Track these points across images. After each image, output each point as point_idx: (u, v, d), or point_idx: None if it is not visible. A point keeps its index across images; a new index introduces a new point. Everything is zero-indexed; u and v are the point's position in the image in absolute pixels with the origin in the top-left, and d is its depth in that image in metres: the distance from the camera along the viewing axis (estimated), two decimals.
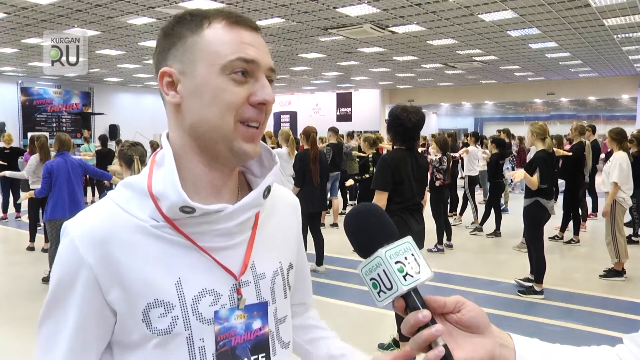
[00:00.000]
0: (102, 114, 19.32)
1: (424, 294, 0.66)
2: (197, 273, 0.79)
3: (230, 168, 0.84)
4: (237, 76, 0.77)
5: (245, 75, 0.78)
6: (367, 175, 7.24)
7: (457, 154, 9.09)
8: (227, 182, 0.85)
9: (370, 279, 0.65)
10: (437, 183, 6.93)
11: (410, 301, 0.64)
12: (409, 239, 0.66)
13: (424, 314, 0.63)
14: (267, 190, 0.84)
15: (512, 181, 13.06)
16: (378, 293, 0.65)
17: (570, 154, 7.44)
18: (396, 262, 0.64)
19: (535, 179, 4.87)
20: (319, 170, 5.48)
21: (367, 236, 0.67)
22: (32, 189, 5.54)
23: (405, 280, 0.63)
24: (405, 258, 0.64)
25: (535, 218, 5.05)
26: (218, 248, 0.81)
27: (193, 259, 0.79)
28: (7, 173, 7.24)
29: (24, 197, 5.70)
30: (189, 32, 0.79)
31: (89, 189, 10.79)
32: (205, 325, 0.79)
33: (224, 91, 0.77)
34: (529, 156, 5.69)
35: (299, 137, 6.05)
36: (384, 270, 0.64)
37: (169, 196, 0.76)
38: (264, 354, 0.84)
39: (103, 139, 10.13)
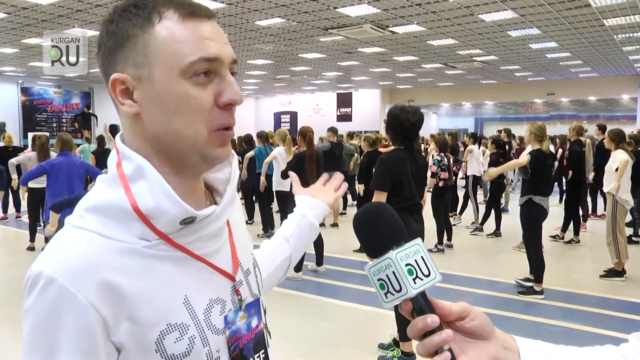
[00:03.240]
0: (89, 113, 19.01)
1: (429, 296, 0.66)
2: (200, 285, 0.75)
3: (199, 174, 0.78)
4: (200, 78, 0.69)
5: (208, 75, 0.70)
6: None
7: (463, 159, 9.04)
8: (197, 186, 0.79)
9: (378, 280, 0.64)
10: (440, 184, 6.87)
11: (417, 304, 0.63)
12: (419, 241, 0.66)
13: (433, 319, 0.62)
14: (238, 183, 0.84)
15: (512, 181, 13.07)
16: (385, 294, 0.64)
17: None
18: (406, 265, 0.63)
19: (522, 158, 5.05)
20: (314, 170, 5.46)
21: (377, 236, 0.66)
22: (30, 187, 5.53)
23: (415, 283, 0.62)
24: (415, 261, 0.64)
25: (531, 218, 5.07)
26: (211, 252, 0.77)
27: (192, 271, 0.74)
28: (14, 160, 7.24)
29: (23, 193, 5.66)
30: (137, 29, 0.69)
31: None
32: (221, 336, 0.76)
33: (188, 97, 0.68)
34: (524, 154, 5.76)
35: (297, 137, 6.01)
36: (393, 272, 0.63)
37: (167, 211, 0.68)
38: (263, 350, 0.84)
39: (100, 139, 10.14)
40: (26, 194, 5.61)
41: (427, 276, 0.64)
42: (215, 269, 0.77)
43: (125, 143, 0.74)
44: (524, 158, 5.02)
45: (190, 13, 0.70)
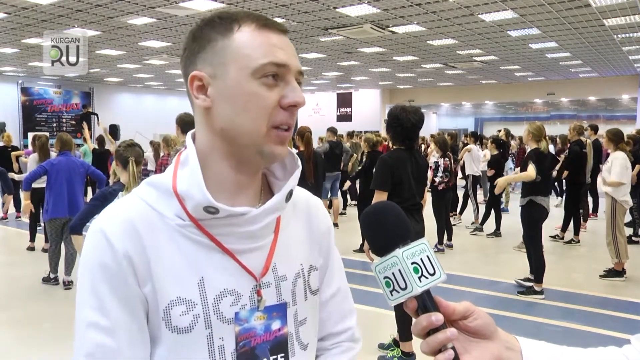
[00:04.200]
0: (89, 113, 18.66)
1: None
2: (219, 273, 0.80)
3: (255, 170, 0.85)
4: (268, 80, 0.77)
5: (275, 79, 0.78)
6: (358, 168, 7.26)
7: (459, 157, 9.04)
8: (251, 185, 0.86)
9: (384, 277, 0.66)
10: (441, 187, 6.84)
11: (422, 302, 0.64)
12: (424, 240, 0.67)
13: (437, 317, 0.63)
14: (290, 194, 0.85)
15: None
16: (391, 292, 0.65)
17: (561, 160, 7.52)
18: (412, 263, 0.64)
19: (530, 171, 4.90)
20: (312, 170, 5.44)
21: (384, 235, 0.67)
22: (33, 188, 5.50)
23: (421, 281, 0.64)
24: (421, 259, 0.65)
25: (531, 218, 5.07)
26: (242, 250, 0.81)
27: (216, 260, 0.80)
28: (16, 177, 7.26)
29: (25, 208, 5.47)
30: (219, 35, 0.79)
31: (89, 189, 10.78)
32: (226, 325, 0.79)
33: (256, 96, 0.77)
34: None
35: (295, 137, 5.98)
36: (399, 270, 0.64)
37: (193, 196, 0.76)
38: (283, 354, 0.85)
39: (100, 139, 10.13)
40: (27, 201, 5.51)
41: (433, 275, 0.65)
42: (241, 265, 0.81)
43: (196, 136, 0.85)
44: (532, 172, 4.90)
45: (264, 25, 0.80)
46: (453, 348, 0.62)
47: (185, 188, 0.78)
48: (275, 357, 0.84)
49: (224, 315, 0.79)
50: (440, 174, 6.80)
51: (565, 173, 7.45)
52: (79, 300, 0.78)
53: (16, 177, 7.28)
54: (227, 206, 0.77)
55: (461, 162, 8.96)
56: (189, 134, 0.85)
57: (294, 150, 0.89)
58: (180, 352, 0.78)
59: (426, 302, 0.64)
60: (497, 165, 8.01)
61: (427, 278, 0.64)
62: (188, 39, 0.83)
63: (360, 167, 7.38)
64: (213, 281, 0.79)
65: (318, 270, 0.95)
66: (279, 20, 9.61)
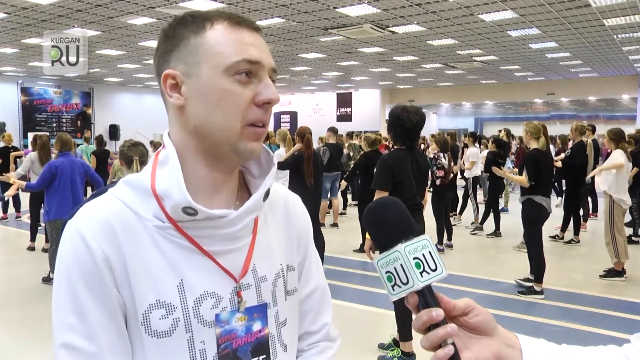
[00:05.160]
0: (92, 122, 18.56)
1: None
2: (199, 276, 0.78)
3: (231, 168, 0.84)
4: (242, 77, 0.77)
5: (249, 76, 0.78)
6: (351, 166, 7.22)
7: (463, 164, 9.02)
8: (227, 183, 0.84)
9: (386, 272, 0.66)
10: (438, 182, 6.87)
11: (423, 297, 0.65)
12: (427, 236, 0.67)
13: (437, 312, 0.63)
14: (267, 192, 0.84)
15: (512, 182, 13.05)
16: (392, 287, 0.66)
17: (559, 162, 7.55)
18: (414, 258, 0.65)
19: (523, 177, 5.05)
20: (312, 172, 5.40)
21: (387, 230, 0.68)
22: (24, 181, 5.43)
23: (422, 276, 0.64)
24: (423, 255, 0.65)
25: (531, 218, 5.08)
26: (221, 252, 0.80)
27: (195, 262, 0.78)
28: (13, 175, 7.18)
29: (12, 190, 5.43)
30: (191, 33, 0.79)
31: (89, 189, 10.77)
32: (207, 328, 0.78)
33: (230, 93, 0.76)
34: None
35: (294, 137, 5.94)
36: (401, 265, 0.65)
37: (173, 196, 0.75)
38: (264, 356, 0.84)
39: (100, 140, 10.12)
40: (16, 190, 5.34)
41: (434, 270, 0.65)
42: (220, 267, 0.80)
43: (171, 135, 0.83)
44: (524, 180, 5.02)
45: (237, 23, 0.80)
46: (453, 344, 0.62)
47: (165, 187, 0.76)
48: (256, 358, 0.83)
49: (205, 319, 0.78)
50: (435, 164, 6.79)
51: (560, 164, 7.46)
52: (56, 303, 0.75)
53: (13, 175, 7.21)
54: (205, 208, 0.76)
55: (461, 162, 8.95)
56: (165, 133, 0.85)
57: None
58: (160, 357, 0.76)
59: (427, 297, 0.65)
60: (492, 164, 7.97)
61: (428, 273, 0.64)
62: (161, 38, 0.82)
63: (352, 167, 7.24)
64: (193, 284, 0.78)
65: (295, 269, 0.93)
66: (278, 20, 9.56)
